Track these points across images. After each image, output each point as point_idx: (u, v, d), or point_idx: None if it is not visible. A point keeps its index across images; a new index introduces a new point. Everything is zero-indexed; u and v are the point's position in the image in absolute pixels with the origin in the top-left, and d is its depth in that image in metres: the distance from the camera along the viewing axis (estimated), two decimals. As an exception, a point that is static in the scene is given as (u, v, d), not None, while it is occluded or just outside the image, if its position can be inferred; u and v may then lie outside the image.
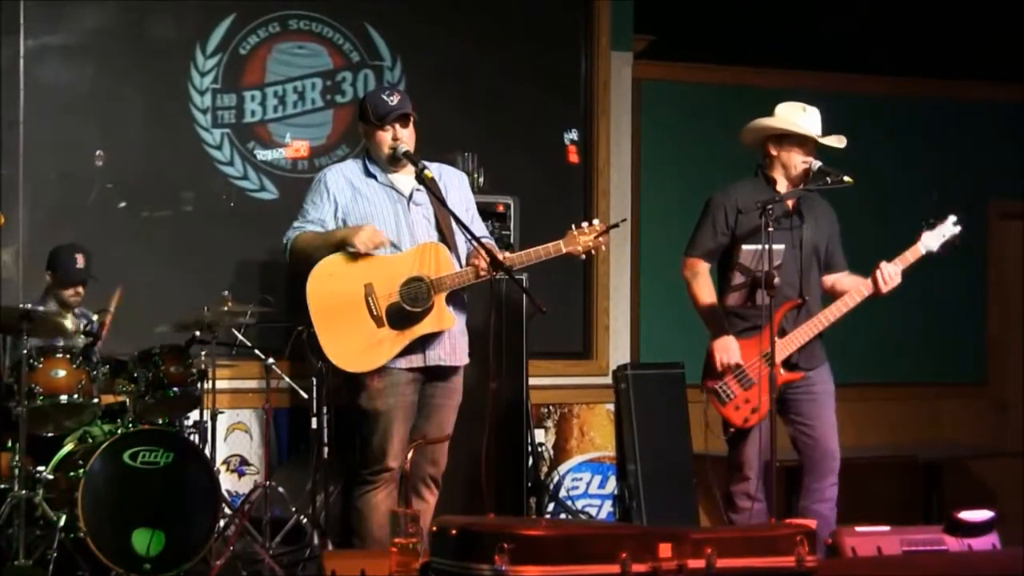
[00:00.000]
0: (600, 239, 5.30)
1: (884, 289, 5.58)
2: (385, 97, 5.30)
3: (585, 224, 5.30)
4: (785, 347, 5.57)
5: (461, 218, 5.22)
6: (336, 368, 5.20)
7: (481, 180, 7.02)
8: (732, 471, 5.67)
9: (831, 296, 5.74)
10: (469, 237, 5.20)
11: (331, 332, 5.16)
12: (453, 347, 5.31)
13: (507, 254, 5.29)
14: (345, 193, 5.27)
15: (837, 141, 5.67)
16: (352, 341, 5.15)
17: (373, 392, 5.20)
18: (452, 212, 5.21)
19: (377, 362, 5.17)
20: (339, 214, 5.27)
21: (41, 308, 6.24)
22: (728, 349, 5.56)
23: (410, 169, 5.32)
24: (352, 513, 5.32)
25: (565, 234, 5.30)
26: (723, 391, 5.56)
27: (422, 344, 5.22)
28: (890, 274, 5.59)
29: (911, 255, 5.66)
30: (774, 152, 5.67)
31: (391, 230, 5.23)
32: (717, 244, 5.63)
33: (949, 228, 5.69)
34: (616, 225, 5.48)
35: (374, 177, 5.31)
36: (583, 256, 5.33)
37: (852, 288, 5.66)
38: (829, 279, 5.79)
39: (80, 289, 6.36)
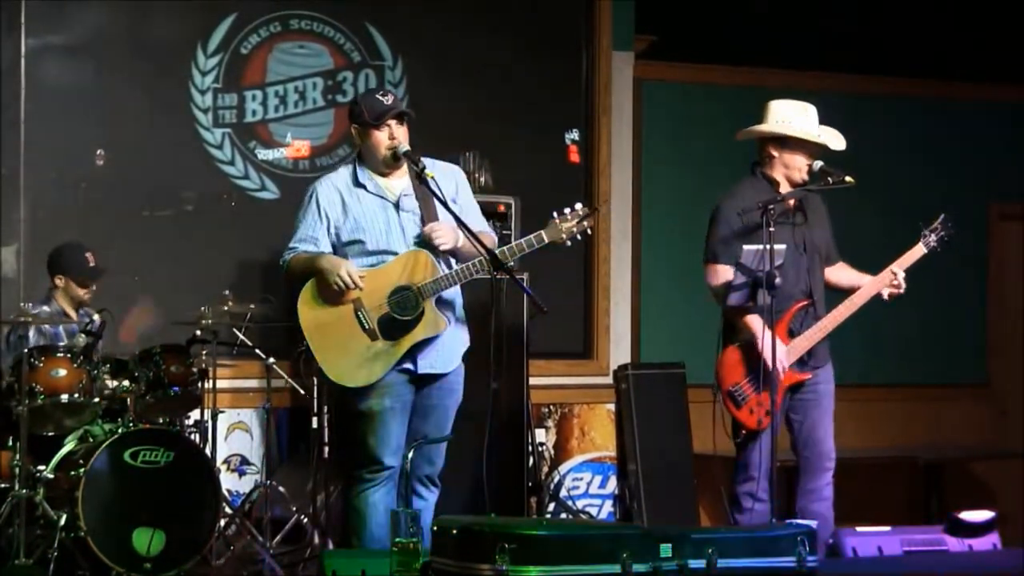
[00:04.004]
0: (584, 223, 5.27)
1: (898, 293, 5.68)
2: (380, 97, 5.28)
3: (567, 210, 5.26)
4: (797, 348, 5.59)
5: (455, 212, 5.21)
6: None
7: (482, 180, 7.02)
8: (738, 471, 5.67)
9: (832, 288, 5.77)
10: (468, 237, 5.19)
11: (327, 351, 5.19)
12: (444, 353, 5.31)
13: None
14: (336, 207, 5.28)
15: (836, 141, 5.68)
16: (349, 357, 5.17)
17: (366, 394, 5.20)
18: (454, 213, 5.19)
19: (376, 375, 5.18)
20: (332, 229, 5.28)
21: (47, 308, 6.26)
22: (778, 362, 5.55)
23: (401, 172, 5.32)
24: (350, 513, 5.33)
25: (547, 223, 5.26)
26: (739, 394, 5.56)
27: (412, 353, 5.23)
28: (902, 281, 5.66)
29: (913, 255, 5.72)
30: (775, 153, 5.67)
31: (388, 240, 5.24)
32: (736, 247, 5.61)
33: (943, 226, 5.75)
34: (597, 208, 5.47)
35: (363, 187, 5.30)
36: (568, 243, 5.27)
37: (860, 285, 5.72)
38: (829, 272, 5.81)
39: (93, 286, 6.38)
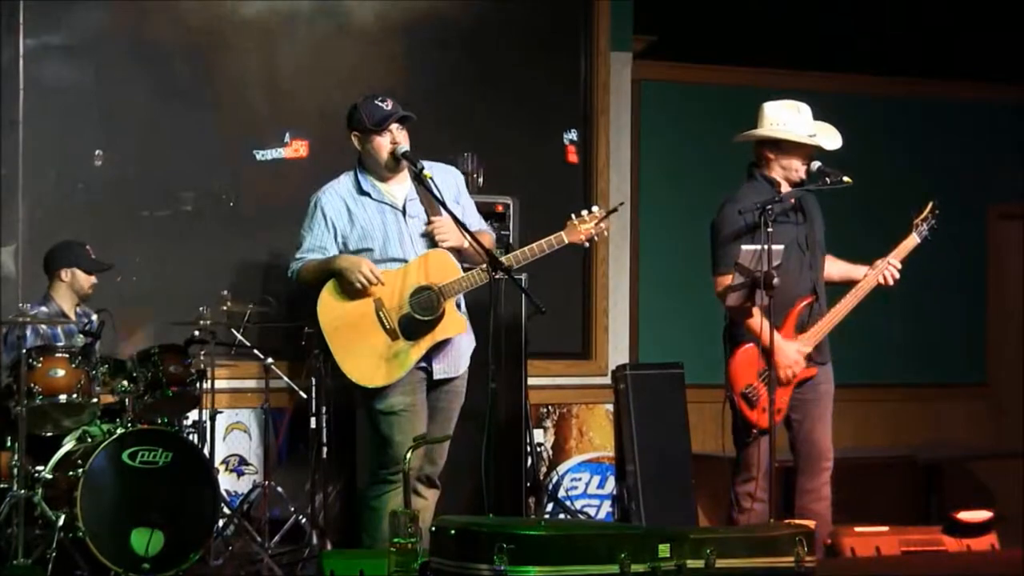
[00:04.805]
0: (601, 224, 5.31)
1: (891, 283, 5.75)
2: (379, 103, 5.28)
3: (585, 212, 5.33)
4: (808, 342, 5.60)
5: (455, 213, 5.23)
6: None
7: (480, 180, 7.02)
8: (739, 472, 5.68)
9: (825, 281, 5.81)
10: (470, 240, 5.20)
11: (347, 351, 5.19)
12: (456, 357, 5.34)
13: (510, 254, 5.30)
14: (342, 216, 5.28)
15: (831, 140, 5.69)
16: (369, 357, 5.18)
17: (390, 393, 5.20)
18: (453, 214, 5.20)
19: (397, 374, 5.19)
20: (339, 238, 5.29)
21: (44, 309, 6.25)
22: (798, 361, 5.56)
23: (403, 176, 5.32)
24: (366, 513, 5.31)
25: (565, 225, 5.31)
26: (752, 395, 5.56)
27: (427, 356, 5.24)
28: (895, 273, 5.71)
29: (907, 245, 5.78)
30: (771, 156, 5.69)
31: (395, 247, 5.25)
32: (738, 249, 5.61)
33: (932, 214, 5.83)
34: (615, 209, 5.50)
35: (368, 194, 5.30)
36: (586, 244, 5.34)
37: (852, 277, 5.79)
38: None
39: (94, 279, 6.39)
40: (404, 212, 5.31)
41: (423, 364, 5.25)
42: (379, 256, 5.25)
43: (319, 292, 5.24)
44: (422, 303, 5.19)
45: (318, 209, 5.31)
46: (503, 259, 5.18)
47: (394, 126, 5.26)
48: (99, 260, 6.41)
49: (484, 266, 5.21)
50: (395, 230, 5.28)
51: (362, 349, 5.19)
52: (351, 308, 5.20)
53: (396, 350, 5.19)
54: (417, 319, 5.19)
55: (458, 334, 5.29)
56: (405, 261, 5.25)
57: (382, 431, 5.25)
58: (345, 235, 5.28)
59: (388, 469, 5.23)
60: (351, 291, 5.19)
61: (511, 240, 6.76)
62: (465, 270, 5.28)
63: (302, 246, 5.33)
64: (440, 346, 5.26)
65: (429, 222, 5.29)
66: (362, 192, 5.31)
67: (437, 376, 5.29)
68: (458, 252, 5.33)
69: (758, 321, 5.49)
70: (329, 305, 5.23)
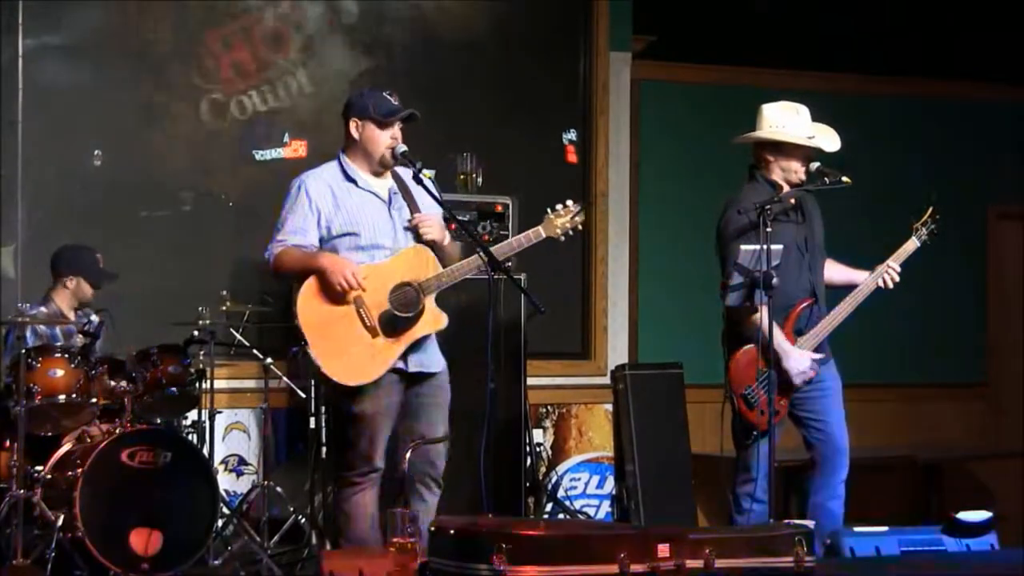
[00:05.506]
0: (576, 219, 5.31)
1: (890, 286, 5.77)
2: (388, 96, 5.28)
3: (560, 206, 5.33)
4: (808, 347, 5.60)
5: (452, 212, 5.24)
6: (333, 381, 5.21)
7: (480, 180, 7.02)
8: (739, 472, 5.67)
9: (825, 285, 5.81)
10: (471, 240, 5.20)
11: (327, 348, 5.16)
12: (435, 352, 5.34)
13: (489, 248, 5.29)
14: (327, 201, 5.25)
15: (830, 142, 5.69)
16: (349, 354, 5.16)
17: (361, 395, 5.20)
18: (450, 211, 5.21)
19: (377, 372, 5.17)
20: (322, 222, 5.25)
21: (43, 309, 6.26)
22: (809, 369, 5.58)
23: (386, 171, 5.33)
24: (339, 516, 5.32)
25: (543, 219, 5.32)
26: (751, 396, 5.56)
27: (403, 353, 5.23)
28: (894, 276, 5.73)
29: (907, 249, 5.79)
30: (771, 158, 5.69)
31: (381, 235, 5.24)
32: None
33: (932, 219, 5.84)
34: (590, 203, 5.53)
35: (354, 182, 5.29)
36: (562, 238, 5.33)
37: (853, 280, 5.80)
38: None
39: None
40: (389, 203, 5.30)
41: (398, 364, 5.23)
42: (364, 242, 5.22)
43: (295, 284, 5.23)
44: (402, 300, 5.18)
45: (302, 191, 5.26)
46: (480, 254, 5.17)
47: (397, 123, 5.27)
48: (107, 270, 6.41)
49: (467, 260, 5.21)
50: (381, 218, 5.26)
51: (343, 348, 5.16)
52: (332, 307, 5.16)
53: (377, 347, 5.17)
54: (397, 316, 5.18)
55: (437, 330, 5.27)
56: (389, 249, 5.24)
57: (347, 433, 5.24)
58: (329, 219, 5.24)
59: (355, 471, 5.24)
60: (332, 290, 5.15)
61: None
62: None
63: (283, 228, 5.25)
64: (418, 341, 5.25)
65: (412, 216, 5.30)
66: (348, 179, 5.30)
67: (413, 369, 5.25)
68: (436, 249, 5.33)
69: (757, 320, 5.49)
70: (309, 304, 5.18)
